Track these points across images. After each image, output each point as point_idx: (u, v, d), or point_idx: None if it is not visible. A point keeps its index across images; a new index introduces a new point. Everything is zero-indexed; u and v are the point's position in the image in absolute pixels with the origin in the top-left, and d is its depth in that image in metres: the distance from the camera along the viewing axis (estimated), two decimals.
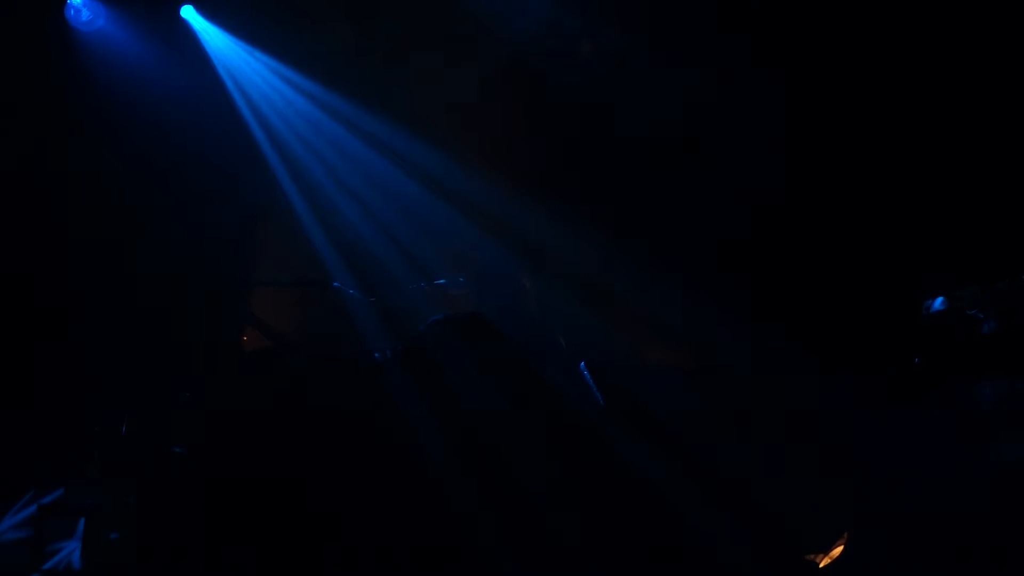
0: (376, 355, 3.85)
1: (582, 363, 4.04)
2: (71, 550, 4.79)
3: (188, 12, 7.42)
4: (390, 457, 3.49)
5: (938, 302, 4.44)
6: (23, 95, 6.73)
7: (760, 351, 5.35)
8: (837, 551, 3.88)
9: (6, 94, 6.64)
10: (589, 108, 6.52)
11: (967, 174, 4.95)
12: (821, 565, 3.79)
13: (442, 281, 5.35)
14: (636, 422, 3.82)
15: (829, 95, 5.56)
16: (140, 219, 6.80)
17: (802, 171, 5.66)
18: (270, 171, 7.40)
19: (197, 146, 7.23)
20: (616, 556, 3.38)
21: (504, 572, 3.23)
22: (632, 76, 6.32)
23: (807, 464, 4.23)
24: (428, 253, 6.73)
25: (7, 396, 5.84)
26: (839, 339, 5.19)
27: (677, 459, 3.75)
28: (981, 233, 4.73)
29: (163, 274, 6.41)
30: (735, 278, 5.81)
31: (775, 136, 5.71)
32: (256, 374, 4.03)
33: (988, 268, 4.30)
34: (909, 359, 4.49)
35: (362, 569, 3.33)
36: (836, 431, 4.39)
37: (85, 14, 7.21)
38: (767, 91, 5.74)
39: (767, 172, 5.75)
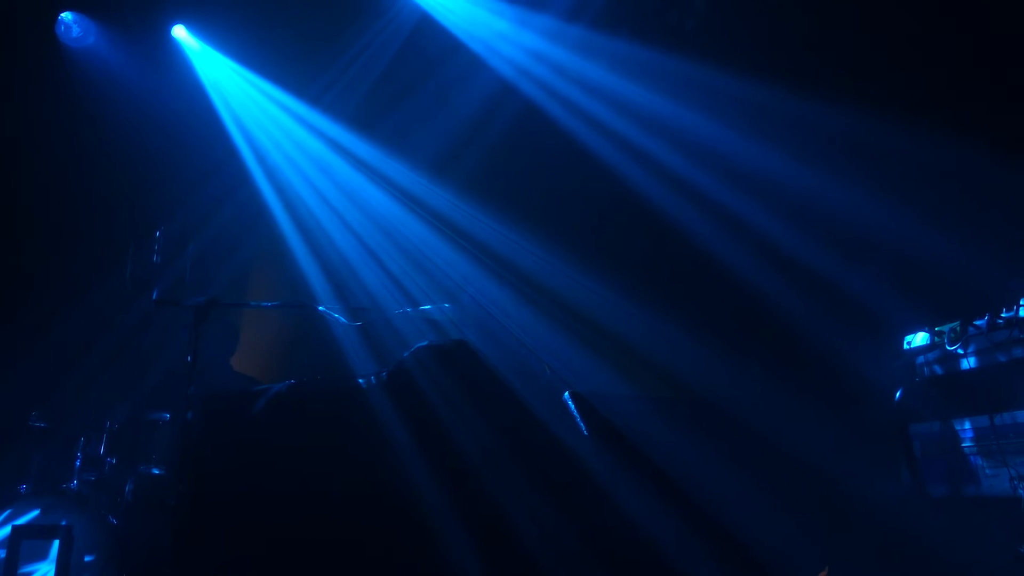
0: (360, 381, 3.83)
1: (566, 393, 4.05)
2: (45, 573, 4.73)
3: (179, 32, 7.45)
4: (373, 485, 3.47)
5: (918, 338, 4.47)
6: (11, 107, 6.73)
7: (742, 383, 5.39)
8: None
9: None
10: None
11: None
12: None
13: (428, 307, 5.34)
14: (619, 452, 3.83)
15: None
16: (123, 236, 6.75)
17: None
18: (257, 192, 7.41)
19: (182, 164, 7.24)
20: None
21: None
22: None
23: (789, 497, 4.25)
24: (414, 279, 6.75)
25: None
26: (820, 373, 5.23)
27: (659, 490, 3.75)
28: (962, 269, 4.78)
29: (145, 292, 6.35)
30: (720, 310, 5.87)
31: None
32: (238, 398, 3.99)
33: (968, 305, 4.34)
34: (889, 395, 4.52)
35: None
36: (817, 465, 4.41)
37: (75, 31, 7.22)
38: None
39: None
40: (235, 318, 6.64)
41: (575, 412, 3.96)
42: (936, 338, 4.36)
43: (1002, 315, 4.04)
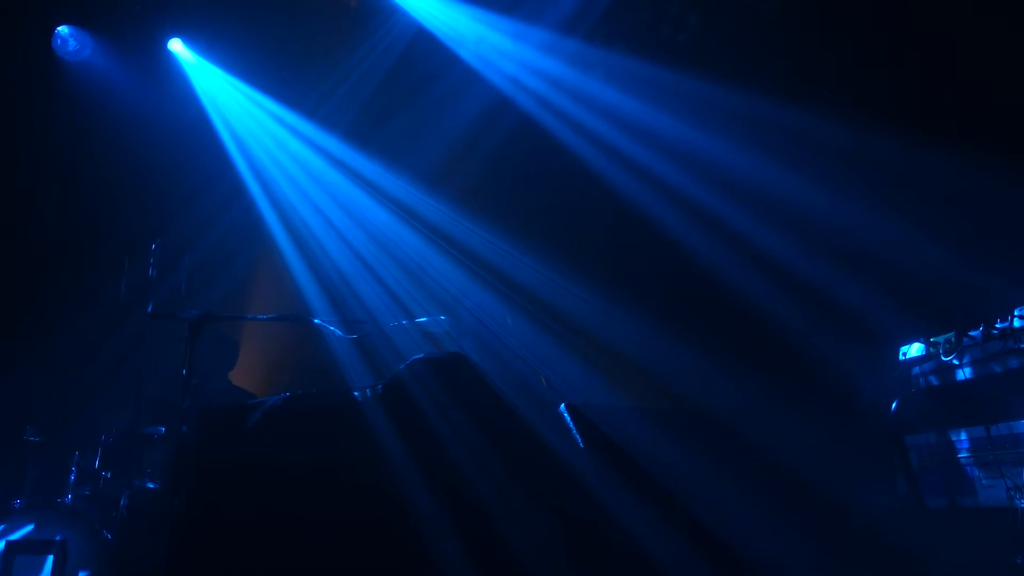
0: (356, 394, 3.82)
1: (562, 405, 4.04)
2: None
3: (176, 45, 7.47)
4: (369, 498, 3.46)
5: (914, 349, 4.48)
6: (7, 119, 6.73)
7: (738, 395, 5.39)
8: None
9: None
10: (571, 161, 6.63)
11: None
12: None
13: (423, 319, 5.34)
14: (615, 465, 3.82)
15: None
16: (118, 250, 6.74)
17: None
18: (253, 205, 7.41)
19: (178, 177, 7.24)
20: None
21: None
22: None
23: (785, 509, 4.24)
24: (410, 292, 6.75)
25: None
26: (816, 384, 5.23)
27: (656, 502, 3.74)
28: (957, 280, 4.80)
29: (141, 305, 6.33)
30: (716, 322, 5.87)
31: None
32: (233, 411, 3.98)
33: (963, 315, 4.35)
34: (885, 406, 4.52)
35: None
36: (813, 476, 4.41)
37: (72, 44, 7.24)
38: None
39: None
40: (235, 333, 6.63)
41: (571, 424, 3.96)
42: (931, 349, 4.36)
43: (996, 326, 4.05)
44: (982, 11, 5.11)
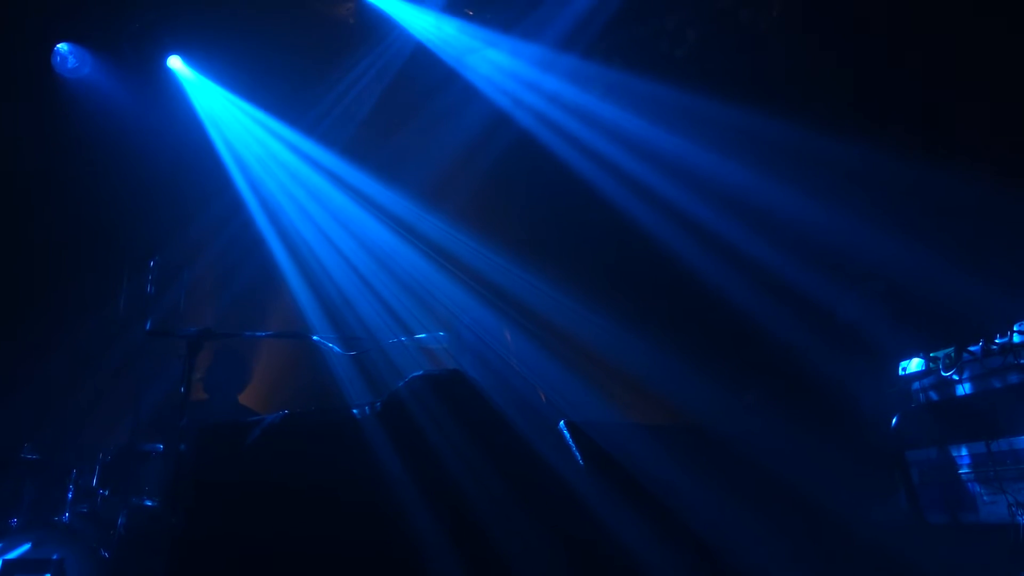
0: (355, 411, 3.80)
1: (561, 422, 4.03)
2: None
3: (175, 62, 7.49)
4: (367, 517, 3.44)
5: (913, 364, 4.47)
6: (5, 136, 6.75)
7: (738, 411, 5.38)
8: None
9: None
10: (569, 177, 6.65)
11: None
12: None
13: (422, 336, 5.33)
14: (616, 483, 3.80)
15: None
16: (117, 266, 6.73)
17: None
18: (252, 222, 7.42)
19: (177, 194, 7.25)
20: None
21: None
22: None
23: (785, 525, 4.22)
24: (409, 308, 6.75)
25: None
26: (816, 400, 5.22)
27: (658, 520, 3.72)
28: (956, 295, 4.80)
29: (139, 322, 6.33)
30: (716, 338, 5.87)
31: None
32: (231, 429, 3.96)
33: (962, 330, 4.35)
34: (886, 421, 4.51)
35: None
36: (814, 492, 4.39)
37: (71, 61, 7.26)
38: None
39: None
40: (249, 354, 6.62)
41: (571, 441, 3.94)
42: (931, 364, 4.36)
43: (996, 341, 4.05)
44: (982, 11, 5.11)
